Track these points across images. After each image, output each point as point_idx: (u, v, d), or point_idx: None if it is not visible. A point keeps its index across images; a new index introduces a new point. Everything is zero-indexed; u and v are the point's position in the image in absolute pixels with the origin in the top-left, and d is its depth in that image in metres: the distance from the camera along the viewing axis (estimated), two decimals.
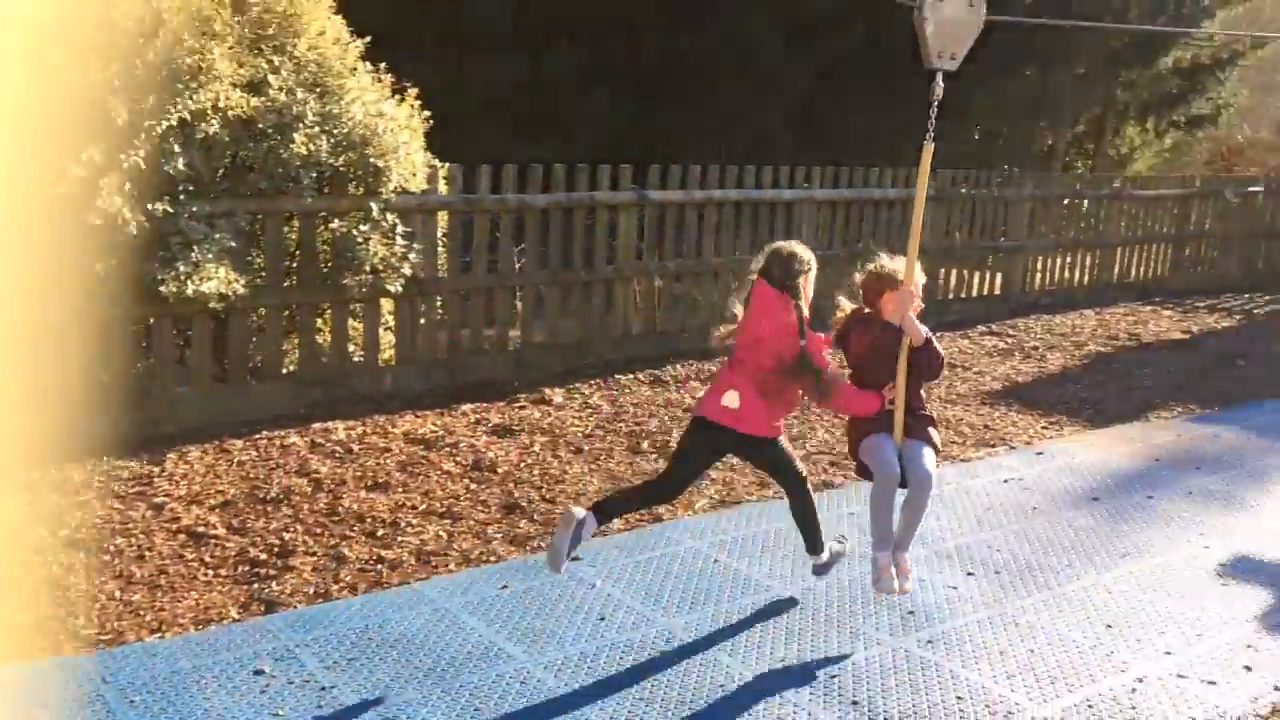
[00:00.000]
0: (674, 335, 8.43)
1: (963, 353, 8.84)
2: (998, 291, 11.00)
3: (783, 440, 4.00)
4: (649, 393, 7.22)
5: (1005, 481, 5.70)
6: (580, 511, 3.80)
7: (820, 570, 4.21)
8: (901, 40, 12.27)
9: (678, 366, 7.85)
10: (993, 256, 10.98)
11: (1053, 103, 16.41)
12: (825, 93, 13.51)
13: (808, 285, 3.91)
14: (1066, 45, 15.62)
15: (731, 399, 3.86)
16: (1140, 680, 3.64)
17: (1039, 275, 11.40)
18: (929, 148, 4.02)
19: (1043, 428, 6.77)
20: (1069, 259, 11.64)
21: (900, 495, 3.91)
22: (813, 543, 4.11)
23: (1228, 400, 7.61)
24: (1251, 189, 13.60)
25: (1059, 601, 4.25)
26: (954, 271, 10.57)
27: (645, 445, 6.07)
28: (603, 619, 3.95)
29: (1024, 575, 4.50)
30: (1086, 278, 11.77)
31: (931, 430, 3.99)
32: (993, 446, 6.35)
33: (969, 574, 4.49)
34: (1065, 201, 11.62)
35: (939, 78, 3.95)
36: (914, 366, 3.90)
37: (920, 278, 3.99)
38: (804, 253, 3.95)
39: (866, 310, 4.08)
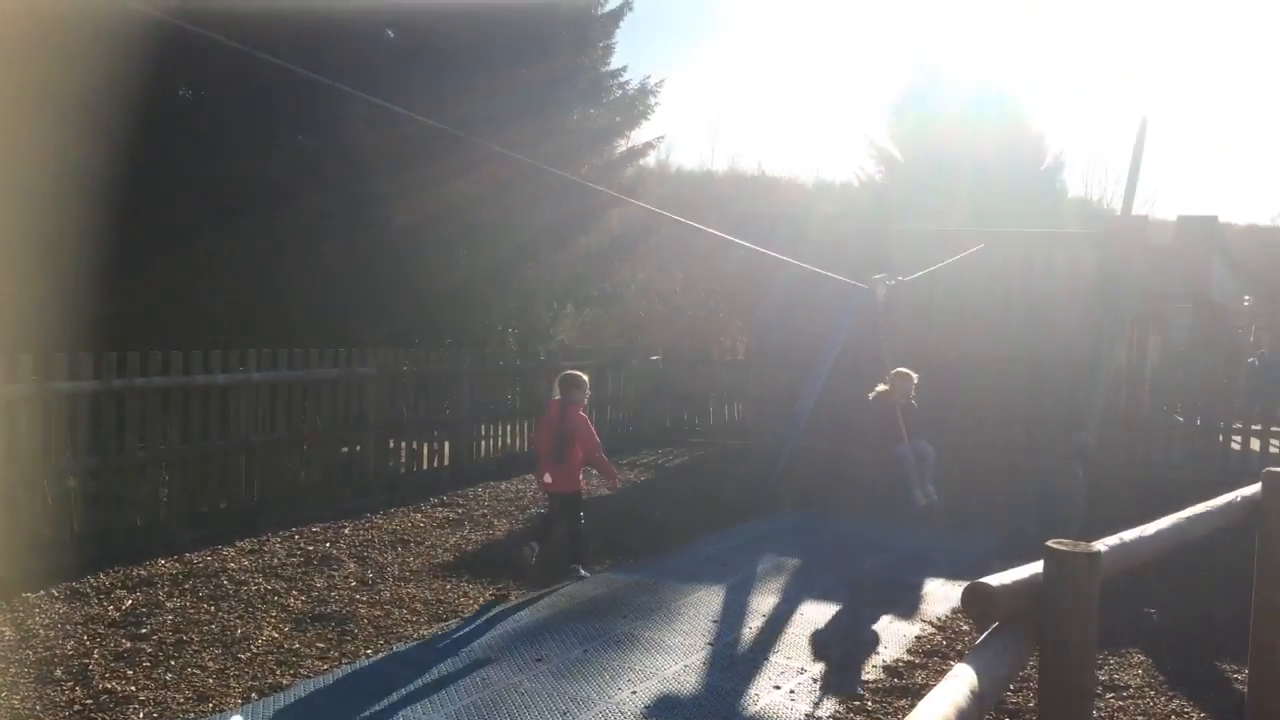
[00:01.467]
0: (95, 540, 7.55)
1: (415, 527, 8.99)
2: (447, 462, 11.41)
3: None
4: (64, 609, 6.34)
5: (459, 653, 5.81)
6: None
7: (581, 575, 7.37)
8: (344, 222, 12.39)
9: (100, 575, 7.00)
10: (439, 429, 11.41)
11: (490, 284, 17.81)
12: (259, 275, 13.32)
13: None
14: (495, 232, 17.15)
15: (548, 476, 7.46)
16: None
17: (483, 443, 12.04)
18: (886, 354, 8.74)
19: (491, 595, 7.04)
20: (510, 426, 12.47)
21: None
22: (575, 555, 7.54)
23: (646, 549, 8.54)
24: (653, 357, 15.76)
25: None
26: (404, 445, 10.80)
27: (59, 673, 5.29)
28: None
29: None
30: (524, 443, 12.67)
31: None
32: (445, 620, 6.47)
33: None
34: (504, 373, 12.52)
35: (881, 319, 8.82)
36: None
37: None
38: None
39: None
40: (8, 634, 5.85)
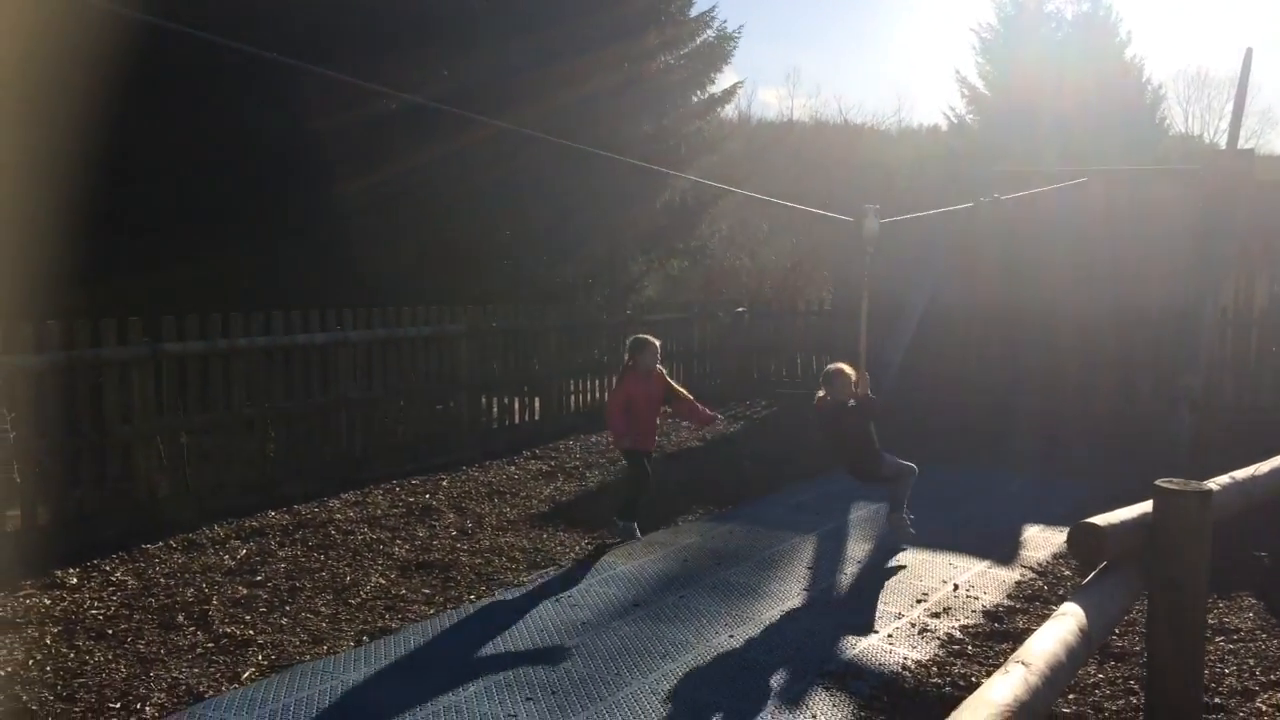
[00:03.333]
0: (209, 493, 7.87)
1: (510, 479, 9.17)
2: (538, 416, 11.59)
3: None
4: (183, 559, 6.65)
5: (557, 600, 5.94)
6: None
7: (625, 532, 7.23)
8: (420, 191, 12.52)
9: (215, 527, 7.32)
10: (529, 384, 11.59)
11: (575, 240, 17.89)
12: (345, 235, 13.59)
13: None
14: (582, 189, 17.18)
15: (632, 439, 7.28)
16: None
17: (573, 398, 12.19)
18: (865, 300, 7.40)
19: (587, 543, 7.17)
20: (596, 381, 12.59)
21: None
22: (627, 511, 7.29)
23: (739, 498, 8.58)
24: (738, 310, 15.70)
25: (611, 710, 4.48)
26: (495, 401, 11.00)
27: (181, 618, 5.57)
28: None
29: (579, 690, 4.69)
30: None
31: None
32: (543, 568, 6.61)
33: (528, 699, 4.60)
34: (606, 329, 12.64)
35: (867, 258, 7.25)
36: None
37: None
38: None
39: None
40: (131, 583, 6.16)
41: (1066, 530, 3.08)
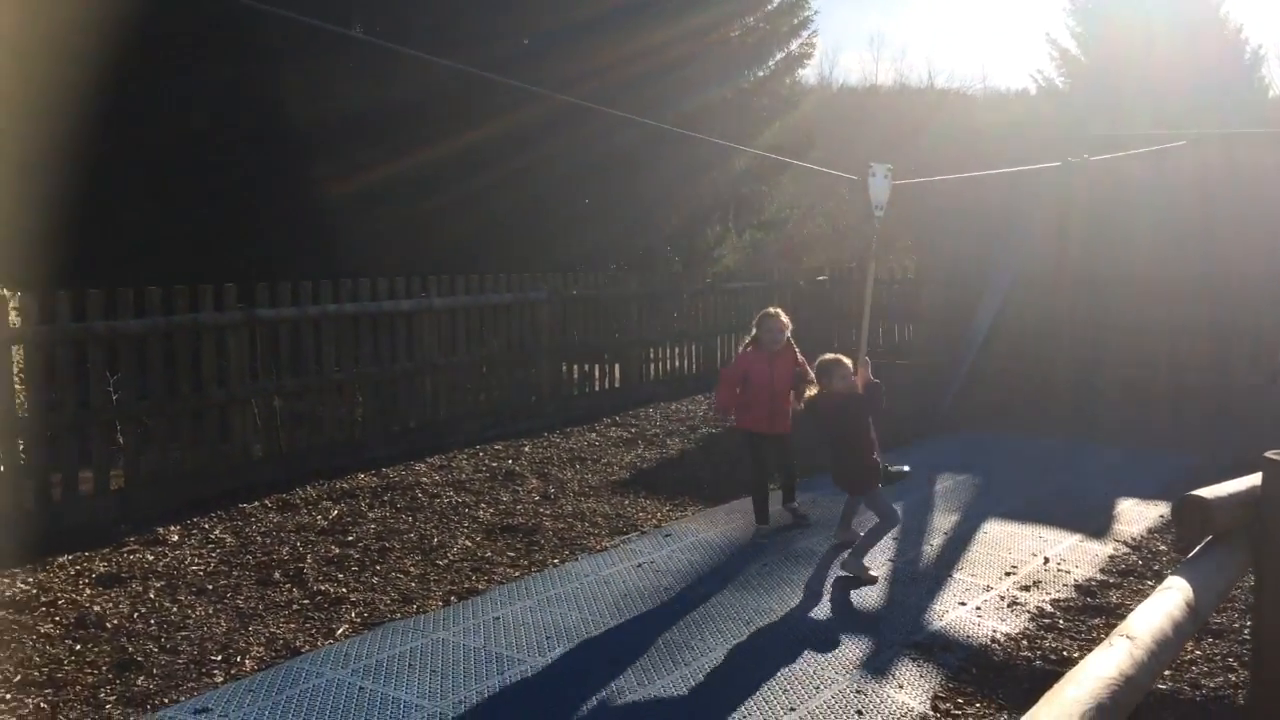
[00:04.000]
0: (301, 456, 8.08)
1: (591, 445, 9.24)
2: (618, 384, 11.64)
3: None
4: (277, 519, 6.85)
5: (639, 566, 5.98)
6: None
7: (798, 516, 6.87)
8: (506, 157, 12.63)
9: (307, 488, 7.52)
10: (609, 351, 11.64)
11: (652, 207, 17.86)
12: (430, 203, 13.77)
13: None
14: (655, 154, 17.11)
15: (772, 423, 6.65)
16: None
17: (652, 366, 12.21)
18: (872, 266, 7.22)
19: (668, 510, 7.20)
20: (677, 349, 12.60)
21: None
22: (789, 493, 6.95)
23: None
24: (819, 278, 15.51)
25: (695, 676, 4.51)
26: (575, 368, 11.08)
27: (277, 575, 5.74)
28: None
29: (662, 655, 4.73)
30: (694, 365, 12.79)
31: None
32: (625, 533, 6.66)
33: (612, 661, 4.64)
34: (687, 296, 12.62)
35: (877, 218, 6.45)
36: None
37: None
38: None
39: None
40: (229, 540, 6.37)
41: (1161, 504, 3.01)
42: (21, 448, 6.44)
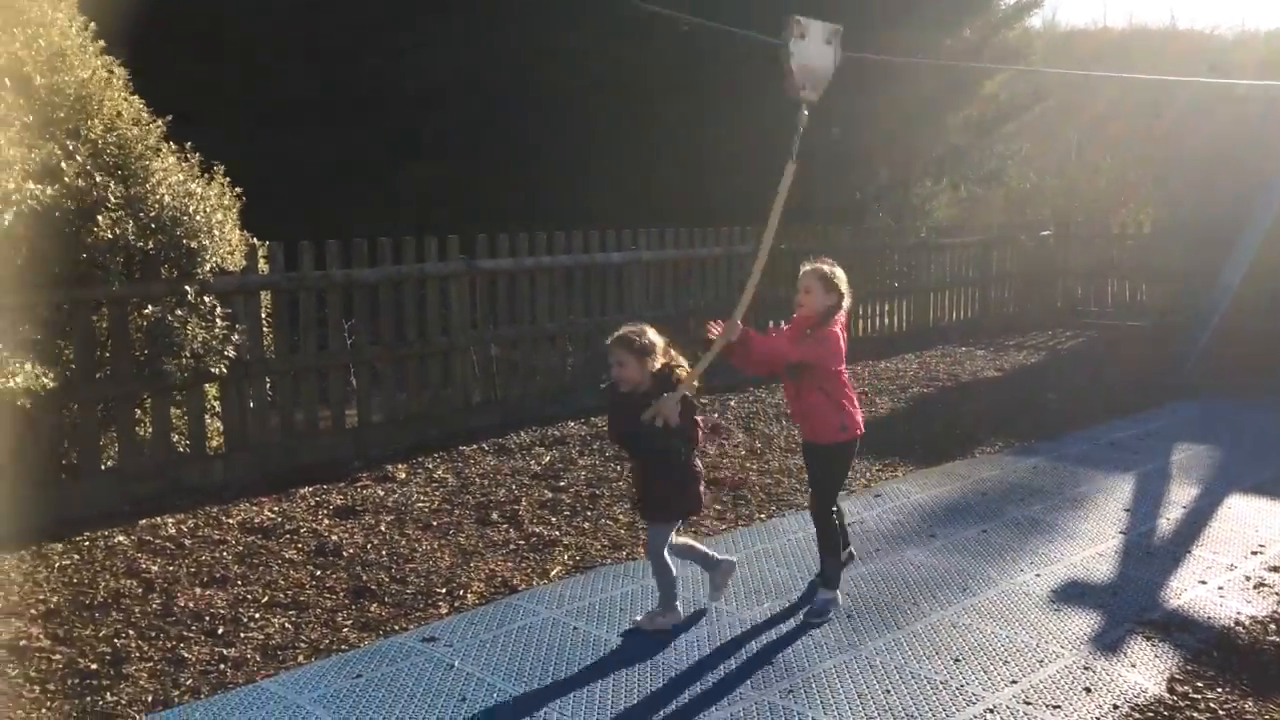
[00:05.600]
0: (515, 403, 8.37)
1: None
2: None
3: None
4: (494, 462, 7.12)
5: (849, 526, 5.86)
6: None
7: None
8: (719, 110, 12.57)
9: (521, 434, 7.78)
10: None
11: (861, 159, 17.31)
12: (647, 158, 13.85)
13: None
14: (870, 105, 16.55)
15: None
16: (990, 711, 3.78)
17: (861, 323, 11.92)
18: (790, 168, 4.39)
19: (878, 470, 7.02)
20: (887, 306, 12.23)
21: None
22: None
23: (1043, 433, 8.09)
24: (1043, 233, 14.67)
25: (909, 639, 4.38)
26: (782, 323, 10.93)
27: (495, 516, 5.97)
28: (464, 700, 3.83)
29: (874, 616, 4.62)
30: (904, 323, 12.39)
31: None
32: None
33: (823, 620, 4.58)
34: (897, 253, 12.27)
35: (803, 107, 4.40)
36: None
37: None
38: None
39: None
40: (450, 480, 6.68)
41: None
42: (268, 386, 6.95)
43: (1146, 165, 18.00)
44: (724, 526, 5.89)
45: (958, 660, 4.18)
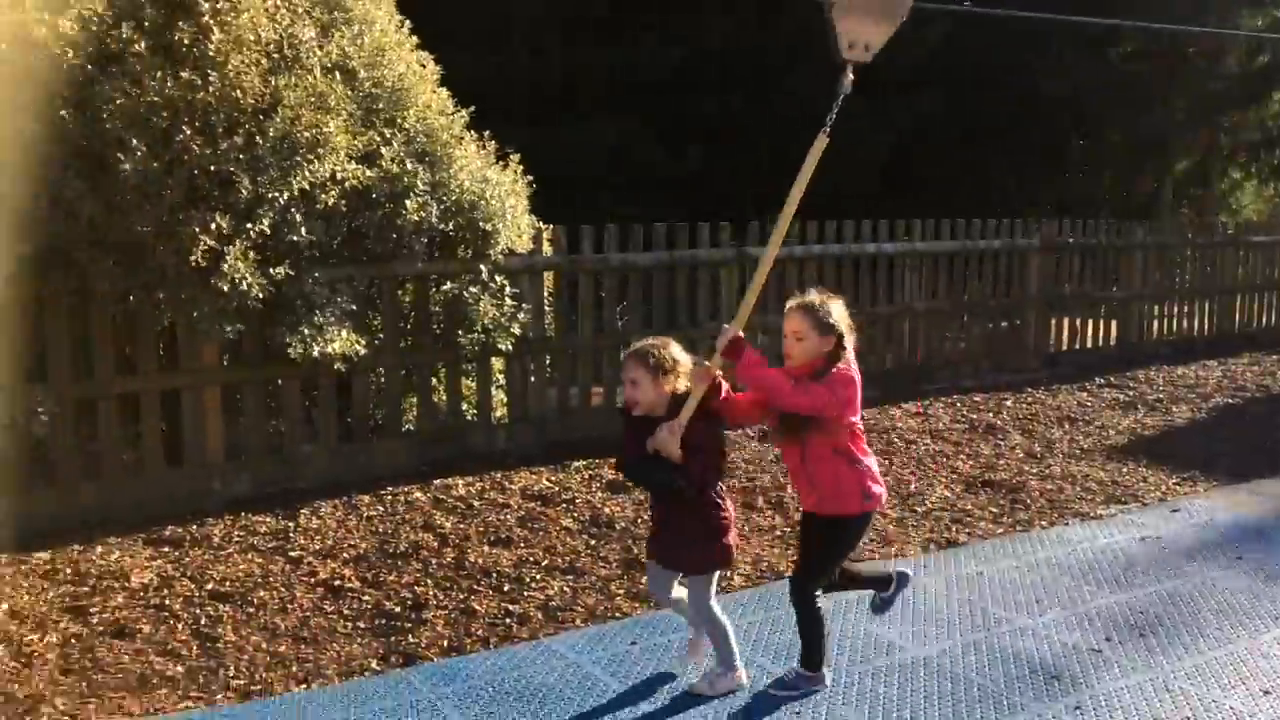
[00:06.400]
0: None
1: (1081, 405, 8.59)
2: (1113, 342, 10.69)
3: None
4: (758, 447, 7.15)
5: (1142, 540, 5.46)
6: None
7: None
8: (982, 102, 11.99)
9: None
10: (1105, 306, 10.70)
11: (1154, 149, 16.03)
12: (907, 150, 13.46)
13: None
14: (1165, 87, 15.29)
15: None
16: None
17: (1156, 324, 11.06)
18: (821, 140, 3.65)
19: (1175, 483, 6.49)
20: (1186, 308, 11.28)
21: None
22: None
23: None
24: None
25: (1211, 666, 4.03)
26: (1065, 321, 10.32)
27: (760, 501, 6.00)
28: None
29: (1171, 638, 4.28)
30: (1206, 327, 11.38)
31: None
32: (1124, 503, 6.11)
33: (1107, 638, 4.29)
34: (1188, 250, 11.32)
35: (848, 69, 3.68)
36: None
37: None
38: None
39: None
40: None
41: None
42: (548, 362, 7.29)
43: None
44: (998, 530, 5.64)
45: (1267, 693, 3.80)
